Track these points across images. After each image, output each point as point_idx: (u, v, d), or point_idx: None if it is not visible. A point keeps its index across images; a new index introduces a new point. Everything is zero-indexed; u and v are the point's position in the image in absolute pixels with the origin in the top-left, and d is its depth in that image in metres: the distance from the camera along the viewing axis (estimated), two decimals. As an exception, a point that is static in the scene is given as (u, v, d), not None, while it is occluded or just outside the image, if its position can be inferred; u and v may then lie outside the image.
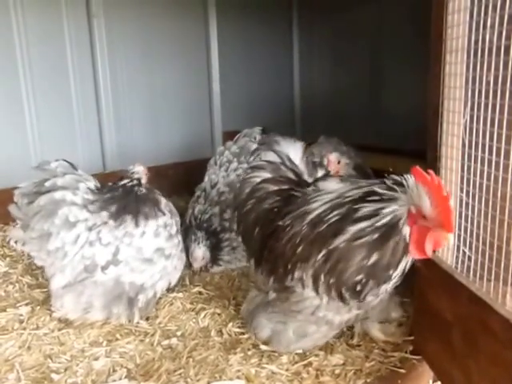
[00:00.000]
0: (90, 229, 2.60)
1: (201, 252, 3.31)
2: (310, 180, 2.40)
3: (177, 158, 5.43)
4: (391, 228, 1.87)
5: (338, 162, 3.38)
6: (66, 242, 2.55)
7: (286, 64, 6.58)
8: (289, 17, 6.49)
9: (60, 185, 2.63)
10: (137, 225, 2.67)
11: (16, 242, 2.70)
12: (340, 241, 1.93)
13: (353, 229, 1.90)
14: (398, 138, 4.99)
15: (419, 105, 4.41)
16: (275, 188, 2.43)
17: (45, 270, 2.71)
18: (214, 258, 3.42)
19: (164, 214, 2.79)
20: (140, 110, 5.22)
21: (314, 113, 6.41)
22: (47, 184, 2.62)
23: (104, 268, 2.58)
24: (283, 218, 2.21)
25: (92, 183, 2.77)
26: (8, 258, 3.58)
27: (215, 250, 3.41)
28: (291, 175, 2.45)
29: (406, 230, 1.87)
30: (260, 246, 2.39)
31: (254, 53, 6.10)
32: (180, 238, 2.89)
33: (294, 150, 2.56)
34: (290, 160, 2.50)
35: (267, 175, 2.48)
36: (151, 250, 2.69)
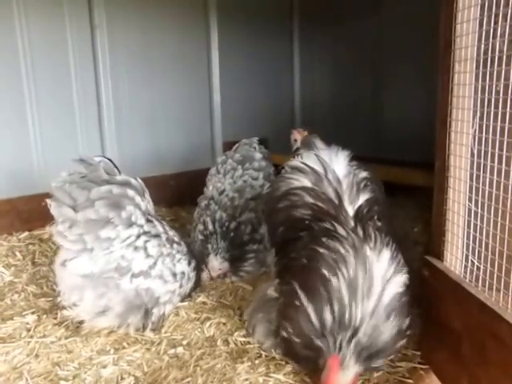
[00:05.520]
0: (139, 235, 2.65)
1: (217, 263, 3.35)
2: (349, 208, 2.34)
3: (178, 169, 5.43)
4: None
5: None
6: (118, 236, 2.56)
7: (286, 75, 6.61)
8: (289, 28, 6.53)
9: (133, 184, 2.69)
10: (179, 251, 2.84)
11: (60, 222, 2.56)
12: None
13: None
14: (399, 150, 5.01)
15: (421, 116, 4.47)
16: (311, 201, 2.40)
17: (61, 254, 2.61)
18: (236, 269, 3.46)
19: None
20: (141, 121, 5.22)
21: (315, 124, 6.39)
22: (119, 178, 2.66)
23: (134, 276, 2.59)
24: (305, 250, 2.26)
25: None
26: (13, 268, 3.57)
27: (238, 262, 3.45)
28: (332, 195, 2.37)
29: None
30: (281, 242, 2.55)
31: (254, 64, 6.12)
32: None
33: (337, 164, 2.50)
34: (334, 175, 2.43)
35: (307, 183, 2.45)
36: (181, 268, 2.83)
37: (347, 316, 1.97)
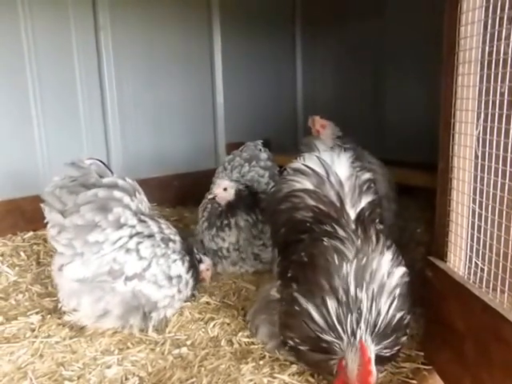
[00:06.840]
0: (131, 236, 2.64)
1: (227, 181, 3.46)
2: (350, 211, 2.34)
3: (181, 169, 5.46)
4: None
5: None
6: (107, 239, 2.55)
7: (288, 77, 6.62)
8: (292, 29, 6.55)
9: (121, 185, 2.67)
10: (175, 251, 2.82)
11: (50, 226, 2.59)
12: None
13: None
14: (400, 150, 5.01)
15: (423, 116, 4.47)
16: (313, 203, 2.41)
17: (57, 259, 2.62)
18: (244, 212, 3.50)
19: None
20: (145, 122, 5.24)
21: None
22: (106, 180, 2.64)
23: (128, 279, 2.59)
24: (305, 251, 2.26)
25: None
26: (17, 268, 3.59)
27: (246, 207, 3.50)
28: (333, 197, 2.37)
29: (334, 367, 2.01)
30: (283, 243, 2.57)
31: (257, 65, 6.15)
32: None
33: (339, 166, 2.48)
34: (336, 177, 2.42)
35: (309, 185, 2.45)
36: (177, 271, 2.79)
37: (352, 299, 1.98)
